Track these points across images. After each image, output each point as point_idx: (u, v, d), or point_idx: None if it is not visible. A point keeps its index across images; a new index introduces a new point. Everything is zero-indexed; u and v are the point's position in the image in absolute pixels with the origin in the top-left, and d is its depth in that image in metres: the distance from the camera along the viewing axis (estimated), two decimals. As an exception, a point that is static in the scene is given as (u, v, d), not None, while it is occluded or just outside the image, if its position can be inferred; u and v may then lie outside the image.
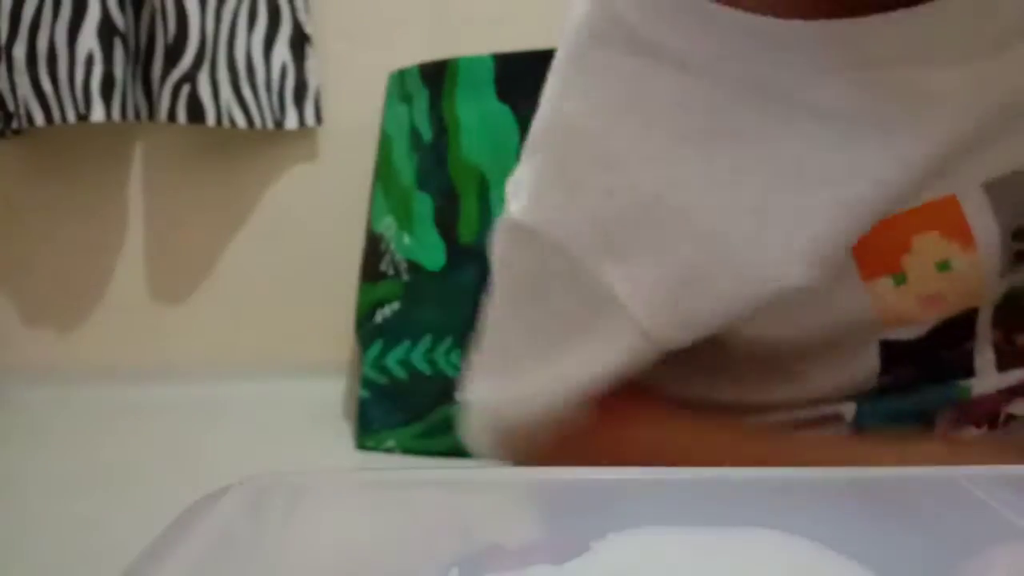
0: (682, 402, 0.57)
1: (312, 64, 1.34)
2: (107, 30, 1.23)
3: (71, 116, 1.24)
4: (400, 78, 1.32)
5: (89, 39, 1.23)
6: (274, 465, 0.49)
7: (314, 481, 0.50)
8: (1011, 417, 0.55)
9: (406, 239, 1.27)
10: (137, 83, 1.29)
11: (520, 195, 0.52)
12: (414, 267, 1.25)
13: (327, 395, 1.37)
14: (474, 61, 1.23)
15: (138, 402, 1.31)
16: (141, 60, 1.29)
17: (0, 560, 1.08)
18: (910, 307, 0.50)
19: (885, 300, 0.50)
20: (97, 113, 1.24)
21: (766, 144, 0.49)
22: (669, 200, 0.49)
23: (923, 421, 0.55)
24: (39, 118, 1.24)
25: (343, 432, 1.32)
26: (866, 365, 0.53)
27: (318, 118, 1.35)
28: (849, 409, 0.54)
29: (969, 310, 0.51)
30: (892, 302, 0.50)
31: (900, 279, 0.50)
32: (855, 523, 0.46)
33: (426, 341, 1.24)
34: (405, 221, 1.28)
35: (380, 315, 1.27)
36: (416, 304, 1.25)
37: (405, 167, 1.26)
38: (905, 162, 0.48)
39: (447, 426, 1.25)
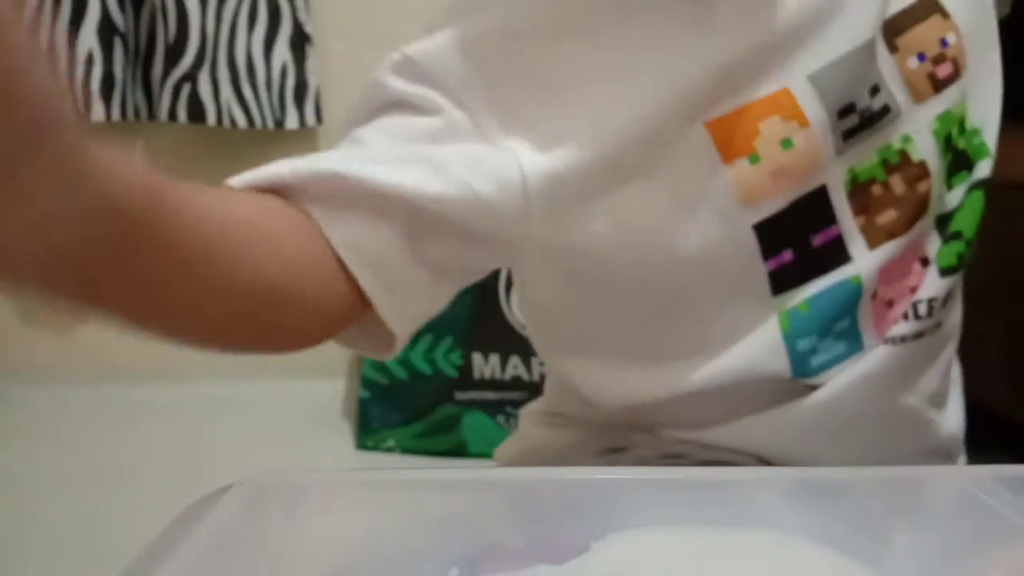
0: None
1: (312, 64, 1.34)
2: (107, 30, 1.23)
3: (71, 116, 1.24)
4: (400, 78, 1.32)
5: (89, 39, 1.23)
6: (274, 465, 0.49)
7: (314, 481, 0.50)
8: (932, 303, 0.65)
9: (406, 239, 1.27)
10: (137, 83, 1.29)
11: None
12: (414, 267, 1.25)
13: (327, 395, 1.37)
14: (474, 61, 1.23)
15: (138, 402, 1.31)
16: (141, 60, 1.29)
17: (0, 560, 1.08)
18: (764, 182, 0.60)
19: (744, 179, 0.60)
20: (97, 113, 1.24)
21: (614, 33, 0.60)
22: (545, 73, 0.60)
23: (852, 341, 0.64)
24: (39, 118, 1.25)
25: (343, 432, 1.32)
26: (748, 250, 0.61)
27: (319, 118, 1.35)
28: (773, 329, 0.63)
29: (818, 189, 0.62)
30: (749, 179, 0.60)
31: (754, 158, 0.60)
32: (855, 523, 0.46)
33: (426, 341, 1.24)
34: (405, 221, 1.28)
35: (380, 315, 1.27)
36: (416, 304, 1.25)
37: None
38: (737, 53, 0.60)
39: (447, 426, 1.25)
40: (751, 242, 0.61)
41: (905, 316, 0.64)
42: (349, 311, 0.57)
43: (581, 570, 0.38)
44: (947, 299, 0.66)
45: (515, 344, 1.23)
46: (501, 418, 1.24)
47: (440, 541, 0.43)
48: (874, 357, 0.64)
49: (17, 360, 1.36)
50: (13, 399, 1.29)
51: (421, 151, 0.57)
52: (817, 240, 0.63)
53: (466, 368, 1.24)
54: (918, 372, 0.66)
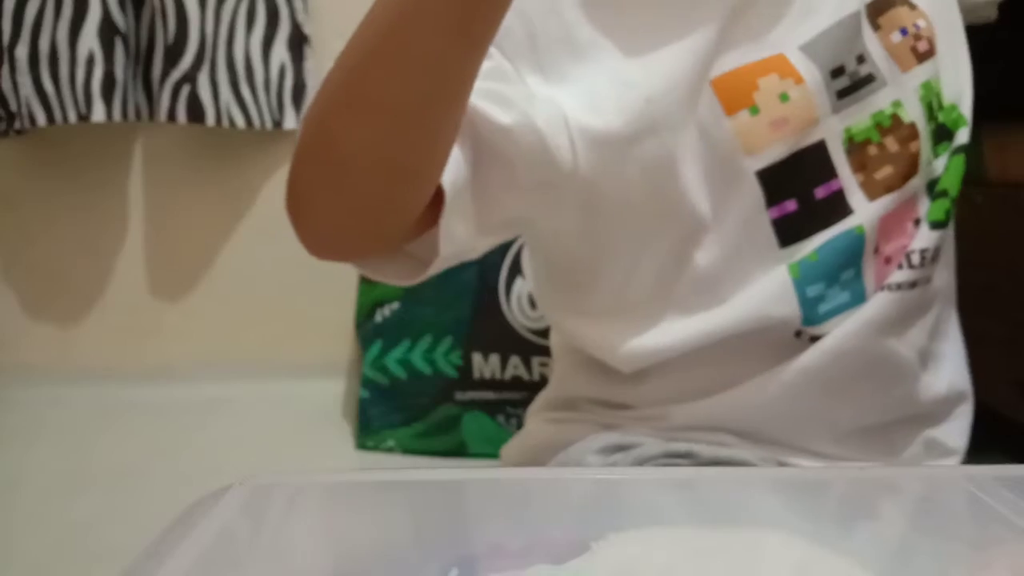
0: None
1: (310, 65, 1.34)
2: (108, 30, 1.23)
3: (72, 116, 1.24)
4: (400, 78, 1.31)
5: (90, 39, 1.23)
6: (274, 465, 0.49)
7: (314, 481, 0.50)
8: (924, 254, 0.71)
9: (406, 239, 1.27)
10: (137, 83, 1.29)
11: None
12: (414, 267, 1.25)
13: (327, 395, 1.37)
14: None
15: (138, 402, 1.31)
16: (141, 60, 1.29)
17: None
18: (764, 131, 0.66)
19: (745, 129, 0.66)
20: (98, 113, 1.24)
21: (638, 4, 0.66)
22: (580, 34, 0.65)
23: (856, 292, 0.69)
24: (41, 118, 1.24)
25: (343, 432, 1.32)
26: (752, 197, 0.67)
27: (318, 118, 1.35)
28: (783, 276, 0.67)
29: (818, 143, 0.68)
30: (750, 129, 0.66)
31: (754, 110, 0.66)
32: (855, 523, 0.46)
33: (426, 341, 1.24)
34: (405, 221, 1.28)
35: (380, 315, 1.27)
36: (416, 304, 1.25)
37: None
38: (741, 23, 0.66)
39: (447, 426, 1.25)
40: (755, 189, 0.67)
41: (900, 266, 0.70)
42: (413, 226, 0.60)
43: (581, 570, 0.38)
44: (936, 254, 0.72)
45: (515, 344, 1.23)
46: (501, 418, 1.24)
47: (440, 541, 0.43)
48: (874, 304, 0.69)
49: (16, 359, 1.36)
50: (11, 398, 1.29)
51: (487, 85, 0.62)
52: (820, 192, 0.68)
53: (466, 368, 1.24)
54: (909, 322, 0.72)
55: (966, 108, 0.74)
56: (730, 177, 0.67)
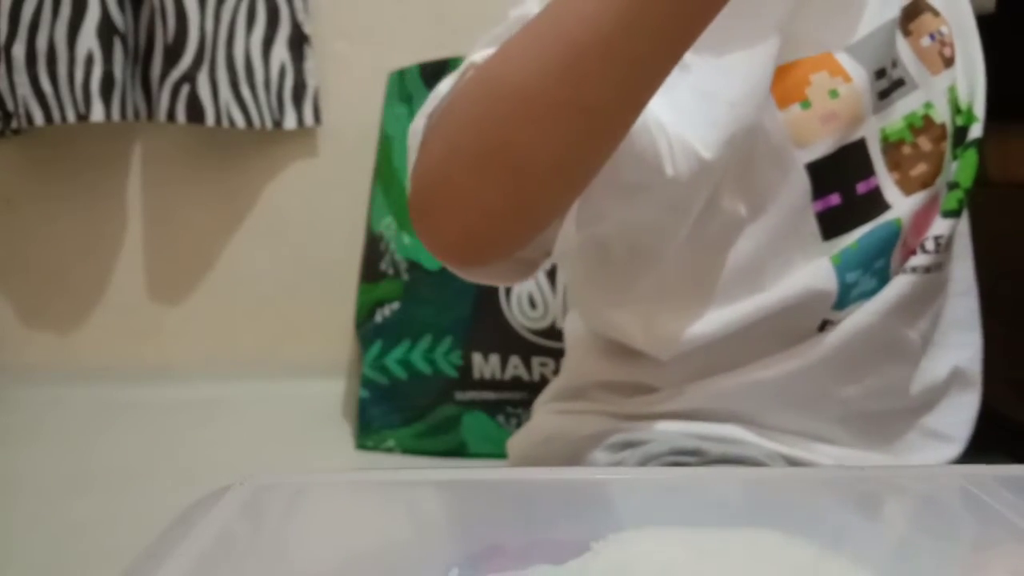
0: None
1: (311, 64, 1.34)
2: (107, 30, 1.23)
3: (71, 116, 1.24)
4: (400, 78, 1.31)
5: (89, 39, 1.23)
6: (274, 465, 0.49)
7: (314, 481, 0.50)
8: (938, 240, 0.74)
9: (406, 239, 1.27)
10: (136, 83, 1.29)
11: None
12: (414, 267, 1.25)
13: (327, 395, 1.37)
14: (474, 61, 1.22)
15: (138, 402, 1.31)
16: (140, 60, 1.29)
17: None
18: (814, 125, 0.68)
19: (796, 122, 0.68)
20: (96, 113, 1.24)
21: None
22: None
23: (881, 280, 0.72)
24: (38, 118, 1.24)
25: (343, 432, 1.32)
26: (800, 189, 0.69)
27: (317, 118, 1.35)
28: (826, 264, 0.70)
29: (859, 141, 0.70)
30: (801, 122, 0.68)
31: (806, 104, 0.68)
32: (855, 523, 0.46)
33: (426, 341, 1.24)
34: (405, 221, 1.28)
35: (380, 315, 1.27)
36: (416, 304, 1.25)
37: (405, 167, 1.26)
38: (797, 23, 0.68)
39: (447, 426, 1.25)
40: (804, 181, 0.69)
41: (915, 252, 0.73)
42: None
43: (581, 570, 0.38)
44: (949, 242, 0.75)
45: (515, 344, 1.23)
46: (501, 418, 1.24)
47: (440, 541, 0.43)
48: (893, 285, 0.72)
49: (15, 360, 1.36)
50: (11, 398, 1.30)
51: None
52: (861, 188, 0.71)
53: (466, 368, 1.24)
54: (920, 307, 0.75)
55: (979, 108, 0.77)
56: (780, 168, 0.69)
